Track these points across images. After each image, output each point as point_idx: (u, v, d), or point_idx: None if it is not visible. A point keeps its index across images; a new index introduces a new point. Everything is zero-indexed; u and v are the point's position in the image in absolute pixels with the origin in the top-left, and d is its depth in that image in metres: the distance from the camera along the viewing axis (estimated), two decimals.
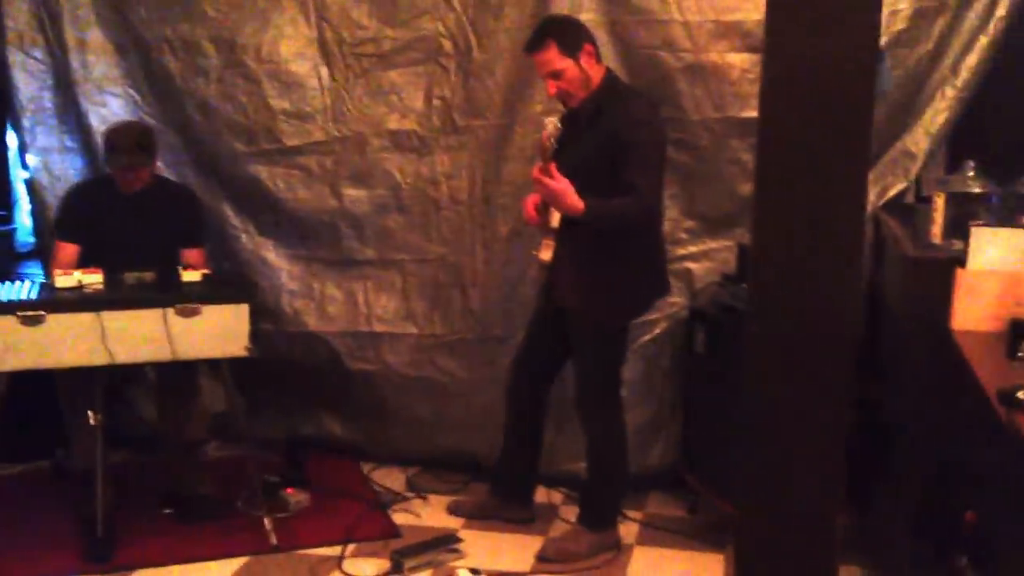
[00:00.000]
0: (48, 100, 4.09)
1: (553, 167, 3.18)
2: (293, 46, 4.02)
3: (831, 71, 2.36)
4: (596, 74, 3.32)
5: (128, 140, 3.63)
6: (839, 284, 2.44)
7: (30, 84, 4.06)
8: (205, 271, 3.56)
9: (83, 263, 3.61)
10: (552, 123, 3.23)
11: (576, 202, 3.17)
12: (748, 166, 3.71)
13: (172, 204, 3.80)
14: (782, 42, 2.40)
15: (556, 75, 3.26)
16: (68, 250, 3.68)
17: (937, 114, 3.68)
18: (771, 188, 2.45)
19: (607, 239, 3.32)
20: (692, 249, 3.90)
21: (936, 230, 3.21)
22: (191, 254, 3.76)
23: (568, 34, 3.28)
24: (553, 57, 3.24)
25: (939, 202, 3.21)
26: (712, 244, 3.89)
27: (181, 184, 4.00)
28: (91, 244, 3.68)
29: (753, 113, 3.59)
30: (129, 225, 3.69)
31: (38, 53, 4.05)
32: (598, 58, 3.35)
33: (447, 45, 3.93)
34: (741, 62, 3.72)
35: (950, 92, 3.66)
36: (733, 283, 3.65)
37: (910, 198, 3.80)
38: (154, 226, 3.71)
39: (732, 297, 3.55)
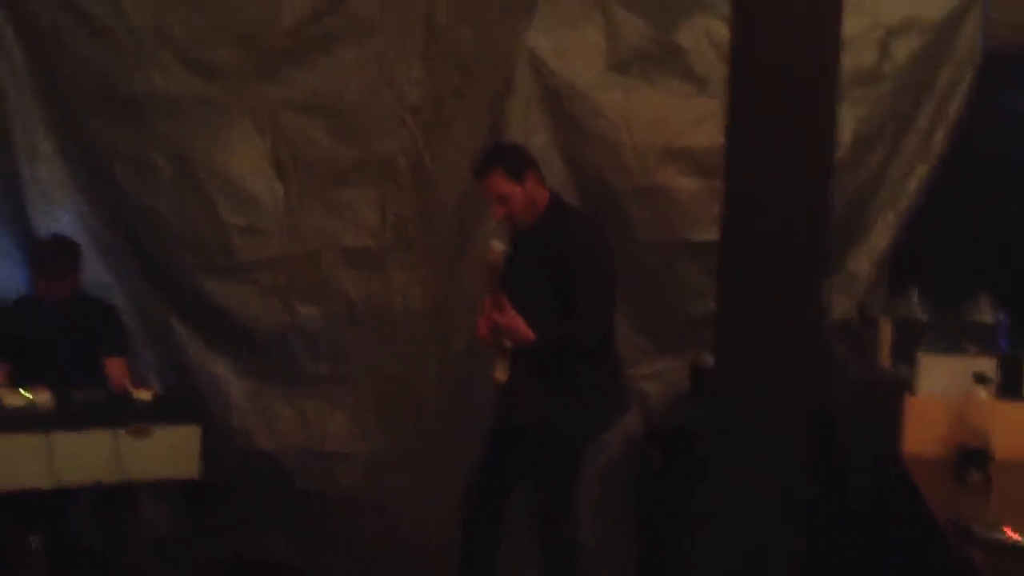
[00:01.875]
0: None
1: (503, 299, 3.22)
2: (247, 162, 4.01)
3: (788, 195, 2.46)
4: (542, 198, 3.40)
5: (50, 252, 3.72)
6: (798, 395, 2.51)
7: None
8: (154, 390, 3.52)
9: (13, 378, 3.62)
10: (497, 246, 3.28)
11: (526, 333, 3.22)
12: (700, 286, 3.79)
13: (92, 317, 3.84)
14: (742, 169, 2.51)
15: (503, 199, 3.34)
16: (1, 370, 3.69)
17: (880, 238, 3.81)
18: (733, 303, 2.53)
19: (562, 359, 3.34)
20: (645, 369, 3.94)
21: (883, 354, 3.30)
22: (113, 363, 3.78)
23: (514, 160, 3.37)
24: (499, 182, 3.33)
25: (885, 327, 3.31)
26: (665, 363, 3.94)
27: (100, 297, 3.97)
28: (18, 359, 3.71)
29: (704, 235, 3.74)
30: (51, 341, 3.72)
31: None
32: (544, 183, 3.42)
33: (402, 162, 3.98)
34: (690, 185, 3.84)
35: (891, 217, 3.80)
36: (687, 402, 3.69)
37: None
38: (75, 339, 3.76)
39: (687, 417, 3.58)
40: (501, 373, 3.40)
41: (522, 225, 3.39)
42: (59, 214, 4.04)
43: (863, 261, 3.82)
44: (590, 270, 3.30)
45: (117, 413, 3.35)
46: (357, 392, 4.07)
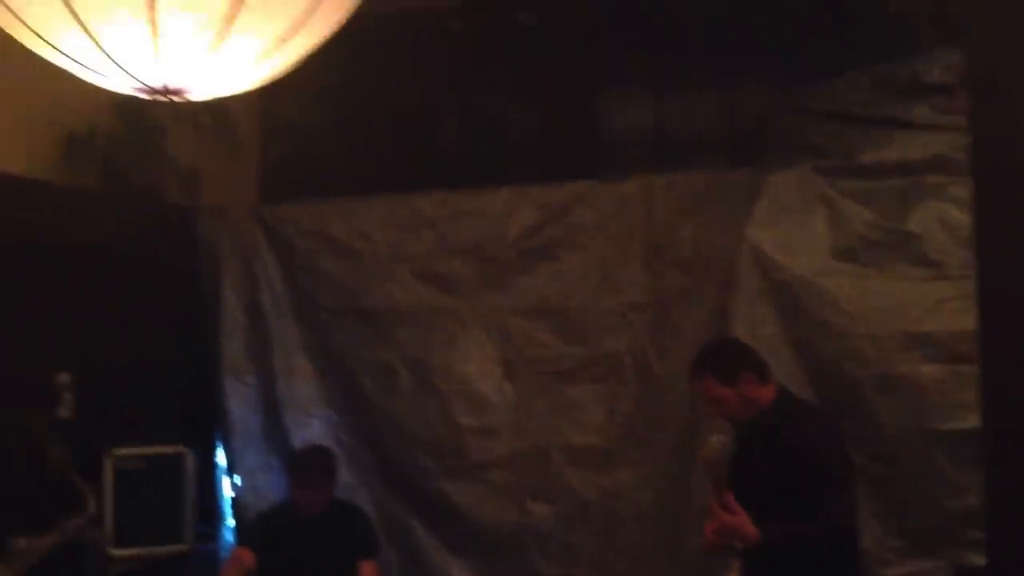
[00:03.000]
0: (256, 422, 4.38)
1: (730, 498, 3.09)
2: (478, 365, 4.19)
3: None
4: (763, 396, 3.26)
5: (309, 465, 3.91)
6: None
7: (241, 408, 4.37)
8: None
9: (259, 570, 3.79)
10: (716, 441, 3.16)
11: (755, 535, 3.05)
12: (956, 479, 3.50)
13: (346, 523, 3.96)
14: (998, 351, 2.32)
15: (715, 403, 3.26)
16: (245, 556, 3.87)
17: None
18: (1003, 495, 2.29)
19: (799, 562, 3.13)
20: (899, 571, 3.63)
21: None
22: (366, 567, 3.88)
23: (725, 364, 3.27)
24: (710, 387, 3.25)
25: None
26: (922, 565, 3.61)
27: (351, 502, 4.14)
28: (267, 563, 3.86)
29: (956, 424, 3.48)
30: (306, 548, 3.86)
31: (250, 379, 4.38)
32: (766, 379, 3.30)
33: (627, 361, 4.00)
34: (935, 372, 3.61)
35: None
36: None
37: None
38: (329, 546, 3.87)
39: None
40: None
41: (742, 423, 3.28)
42: (311, 424, 4.34)
43: None
44: (822, 467, 3.11)
45: None
46: None
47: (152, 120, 4.11)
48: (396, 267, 4.20)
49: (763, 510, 3.08)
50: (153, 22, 1.84)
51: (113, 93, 2.11)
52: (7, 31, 1.96)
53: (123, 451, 3.87)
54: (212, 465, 4.55)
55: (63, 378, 3.84)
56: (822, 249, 3.78)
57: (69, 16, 1.82)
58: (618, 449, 3.99)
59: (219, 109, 4.10)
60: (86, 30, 1.85)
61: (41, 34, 1.90)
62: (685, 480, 3.86)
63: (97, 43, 1.88)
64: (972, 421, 2.41)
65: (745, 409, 3.25)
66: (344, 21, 2.12)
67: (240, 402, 4.38)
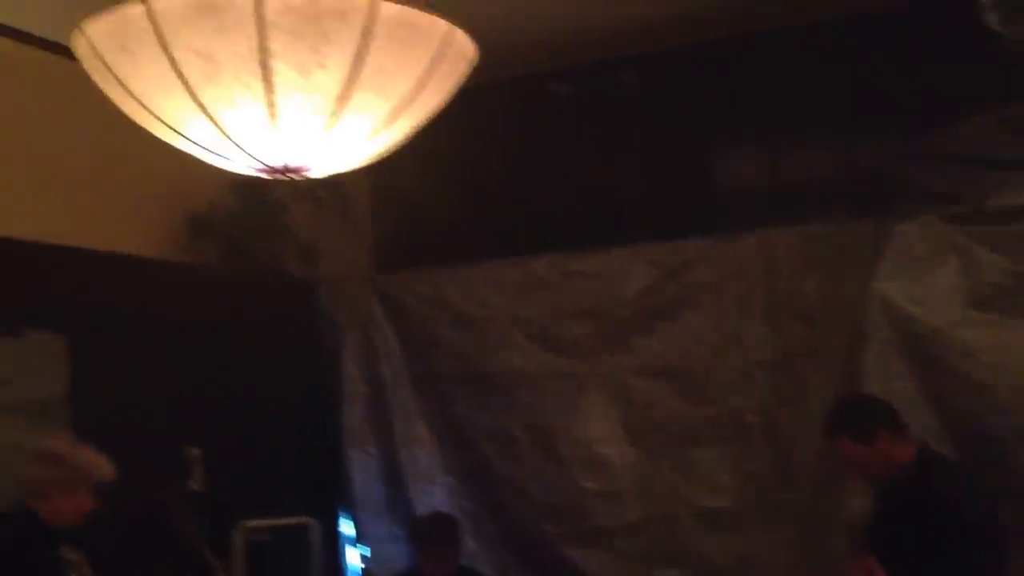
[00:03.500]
0: (379, 492, 4.39)
1: (871, 562, 2.94)
2: (600, 428, 4.12)
3: None
4: (902, 454, 3.11)
5: (434, 533, 3.87)
6: None
7: (364, 477, 4.39)
8: None
9: None
10: (858, 503, 3.04)
11: None
12: None
13: None
14: None
15: (853, 463, 3.13)
16: None
17: None
18: None
19: None
20: None
21: None
22: None
23: (859, 423, 3.13)
24: (846, 447, 3.12)
25: None
26: None
27: (476, 569, 4.09)
28: None
29: None
30: None
31: (372, 449, 4.40)
32: (904, 436, 3.15)
33: (753, 420, 3.88)
34: None
35: None
36: None
37: None
38: None
39: None
40: None
41: (881, 482, 3.13)
42: (434, 492, 4.33)
43: None
44: (967, 526, 2.95)
45: None
46: None
47: (271, 197, 4.22)
48: (513, 332, 4.19)
49: (906, 572, 2.93)
50: (272, 105, 1.89)
51: (233, 172, 2.17)
52: (138, 123, 2.04)
53: (252, 523, 3.92)
54: (338, 535, 4.58)
55: (193, 452, 3.92)
56: (956, 299, 3.62)
57: (196, 107, 1.89)
58: (749, 512, 3.86)
59: (334, 183, 4.18)
60: (211, 118, 1.91)
61: (171, 124, 1.98)
62: (823, 542, 3.71)
63: (222, 129, 1.94)
64: None
65: (884, 468, 3.11)
66: (451, 95, 2.15)
67: (363, 472, 4.40)
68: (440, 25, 1.97)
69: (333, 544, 4.37)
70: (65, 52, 2.19)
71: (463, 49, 2.06)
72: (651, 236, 4.26)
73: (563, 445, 4.14)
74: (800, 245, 3.88)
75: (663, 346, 4.02)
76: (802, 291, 3.83)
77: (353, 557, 4.45)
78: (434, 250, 4.74)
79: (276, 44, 1.80)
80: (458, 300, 4.27)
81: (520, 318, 4.18)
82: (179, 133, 2.00)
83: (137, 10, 1.81)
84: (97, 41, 1.89)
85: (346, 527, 4.46)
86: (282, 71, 1.84)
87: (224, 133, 1.95)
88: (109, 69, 1.92)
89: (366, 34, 1.85)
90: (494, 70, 4.25)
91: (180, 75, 1.85)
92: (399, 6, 1.87)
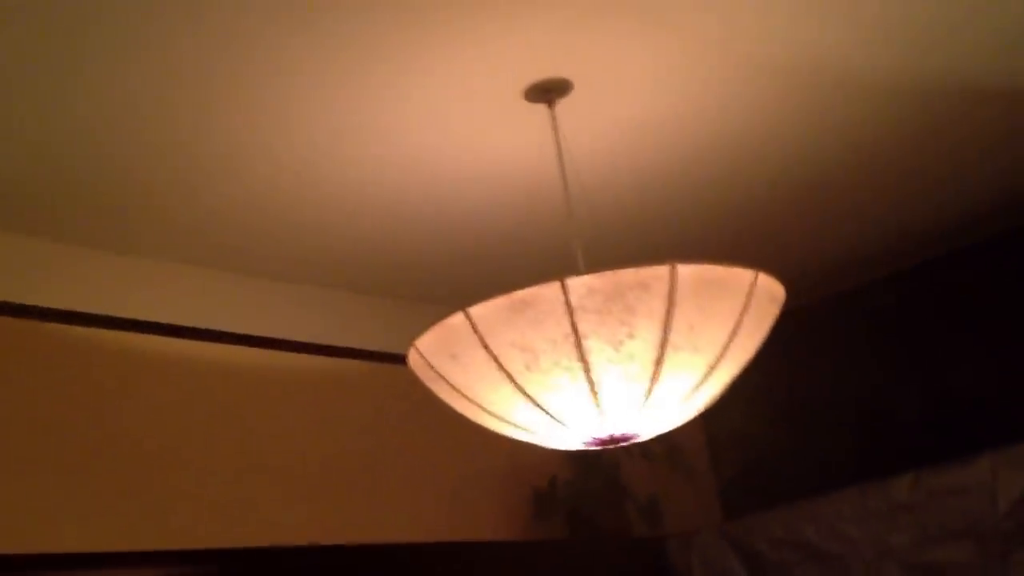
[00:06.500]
0: None
1: None
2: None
3: None
4: None
5: None
6: None
7: None
8: None
9: None
10: None
11: None
12: None
13: None
14: None
15: None
16: None
17: None
18: None
19: None
20: None
21: None
22: None
23: None
24: None
25: None
26: None
27: None
28: None
29: None
30: None
31: None
32: None
33: None
34: None
35: None
36: None
37: None
38: None
39: None
40: None
41: None
42: None
43: None
44: None
45: None
46: None
47: (607, 460, 4.25)
48: (882, 564, 3.84)
49: None
50: (591, 382, 1.95)
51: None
52: (472, 419, 2.17)
53: None
54: None
55: None
56: None
57: (522, 397, 1.98)
58: None
59: (666, 435, 4.17)
60: (537, 404, 2.00)
61: (499, 415, 2.08)
62: None
63: (547, 412, 2.02)
64: None
65: None
66: (767, 332, 2.13)
67: None
68: (743, 275, 1.98)
69: None
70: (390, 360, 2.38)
71: (770, 291, 2.05)
72: (1012, 439, 3.85)
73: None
74: None
75: None
76: None
77: None
78: (779, 486, 4.53)
79: (585, 325, 1.88)
80: (816, 537, 3.97)
81: (888, 548, 3.83)
82: (508, 422, 2.10)
83: (458, 319, 1.96)
84: (427, 352, 2.06)
85: None
86: (595, 348, 1.91)
87: (549, 415, 2.03)
88: (439, 375, 2.07)
89: (671, 298, 1.89)
90: (811, 292, 4.21)
91: (503, 369, 1.96)
92: (699, 266, 1.91)
